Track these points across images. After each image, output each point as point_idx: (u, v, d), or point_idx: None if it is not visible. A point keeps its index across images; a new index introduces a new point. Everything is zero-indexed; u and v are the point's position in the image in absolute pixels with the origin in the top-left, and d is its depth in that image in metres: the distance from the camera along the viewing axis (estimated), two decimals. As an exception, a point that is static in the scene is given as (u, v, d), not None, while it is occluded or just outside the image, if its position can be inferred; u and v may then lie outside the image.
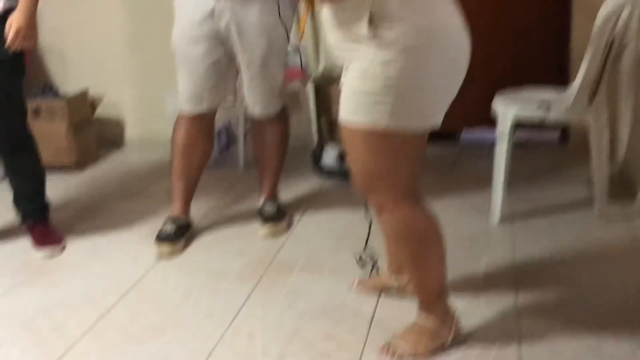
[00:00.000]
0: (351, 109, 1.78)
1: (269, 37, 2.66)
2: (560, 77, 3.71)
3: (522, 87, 3.09)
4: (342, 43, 1.78)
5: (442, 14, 1.73)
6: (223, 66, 2.73)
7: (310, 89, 3.83)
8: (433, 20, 1.70)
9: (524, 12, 3.86)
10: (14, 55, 2.55)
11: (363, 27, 1.68)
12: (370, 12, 1.66)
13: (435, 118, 1.80)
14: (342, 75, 1.92)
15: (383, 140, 1.76)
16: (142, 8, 4.10)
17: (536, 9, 3.86)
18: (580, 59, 2.78)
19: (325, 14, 1.79)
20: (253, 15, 2.61)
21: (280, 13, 2.61)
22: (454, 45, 1.75)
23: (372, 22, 1.66)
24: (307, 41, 3.84)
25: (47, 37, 4.07)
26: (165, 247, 2.72)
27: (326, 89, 3.99)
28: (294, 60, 3.72)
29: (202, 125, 2.81)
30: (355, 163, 1.87)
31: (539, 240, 2.71)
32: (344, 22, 1.73)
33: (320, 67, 3.81)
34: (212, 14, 2.62)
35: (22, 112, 2.74)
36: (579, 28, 3.66)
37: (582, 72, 2.66)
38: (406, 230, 1.89)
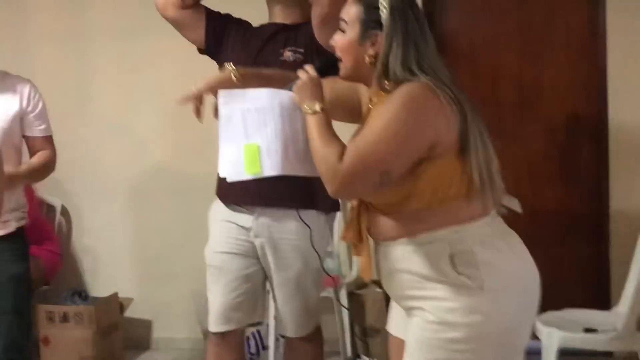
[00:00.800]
0: None
1: (304, 258, 2.60)
2: (601, 295, 3.62)
3: (564, 309, 2.99)
4: (408, 290, 1.66)
5: (518, 250, 1.68)
6: (256, 284, 2.67)
7: (343, 296, 3.75)
8: (515, 259, 1.64)
9: (557, 240, 3.85)
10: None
11: (443, 269, 1.58)
12: (450, 252, 1.58)
13: None
14: (394, 318, 1.83)
15: None
16: (170, 213, 4.17)
17: (570, 236, 3.87)
18: (622, 279, 2.70)
19: (391, 257, 1.69)
20: (289, 235, 2.58)
21: (314, 237, 2.57)
22: (532, 283, 1.68)
23: (452, 263, 1.58)
24: (340, 247, 3.82)
25: (82, 239, 4.13)
26: None
27: (360, 294, 3.91)
28: (327, 266, 3.67)
29: (229, 343, 2.69)
30: None
31: None
32: (416, 261, 1.62)
33: (354, 272, 3.77)
34: (248, 231, 2.60)
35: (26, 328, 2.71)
36: (617, 254, 3.60)
37: (628, 302, 2.56)
38: None
